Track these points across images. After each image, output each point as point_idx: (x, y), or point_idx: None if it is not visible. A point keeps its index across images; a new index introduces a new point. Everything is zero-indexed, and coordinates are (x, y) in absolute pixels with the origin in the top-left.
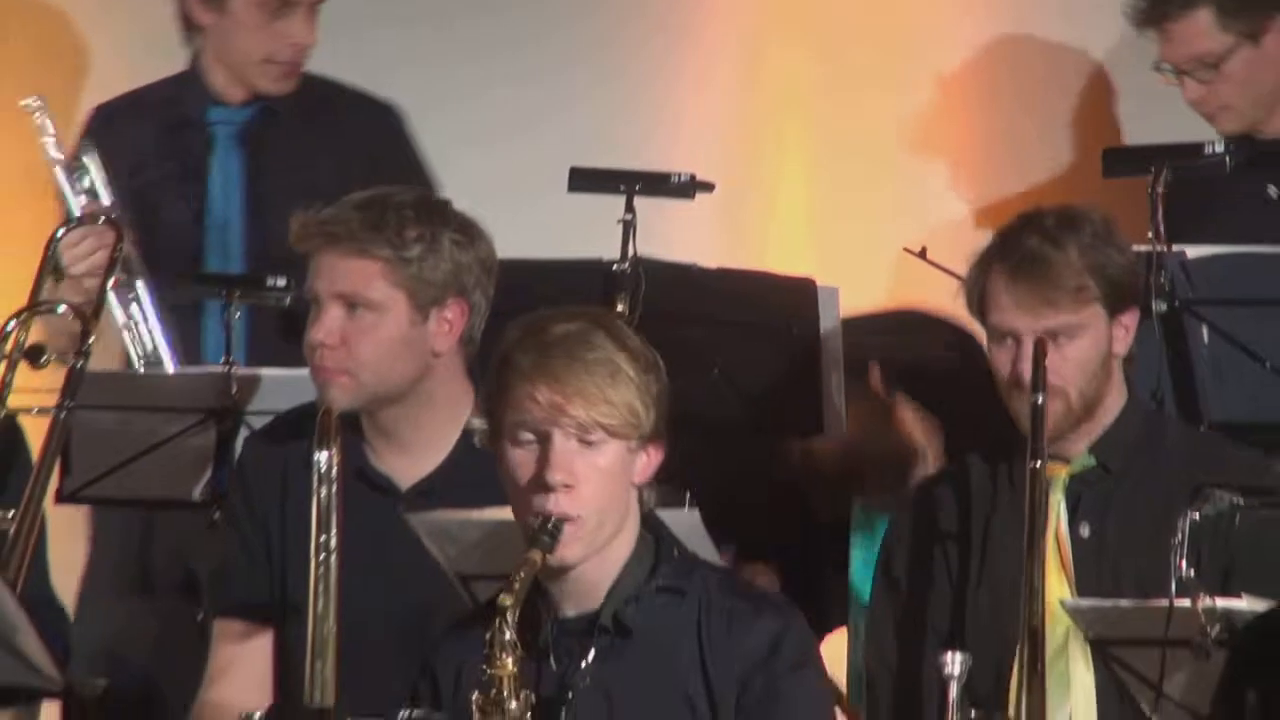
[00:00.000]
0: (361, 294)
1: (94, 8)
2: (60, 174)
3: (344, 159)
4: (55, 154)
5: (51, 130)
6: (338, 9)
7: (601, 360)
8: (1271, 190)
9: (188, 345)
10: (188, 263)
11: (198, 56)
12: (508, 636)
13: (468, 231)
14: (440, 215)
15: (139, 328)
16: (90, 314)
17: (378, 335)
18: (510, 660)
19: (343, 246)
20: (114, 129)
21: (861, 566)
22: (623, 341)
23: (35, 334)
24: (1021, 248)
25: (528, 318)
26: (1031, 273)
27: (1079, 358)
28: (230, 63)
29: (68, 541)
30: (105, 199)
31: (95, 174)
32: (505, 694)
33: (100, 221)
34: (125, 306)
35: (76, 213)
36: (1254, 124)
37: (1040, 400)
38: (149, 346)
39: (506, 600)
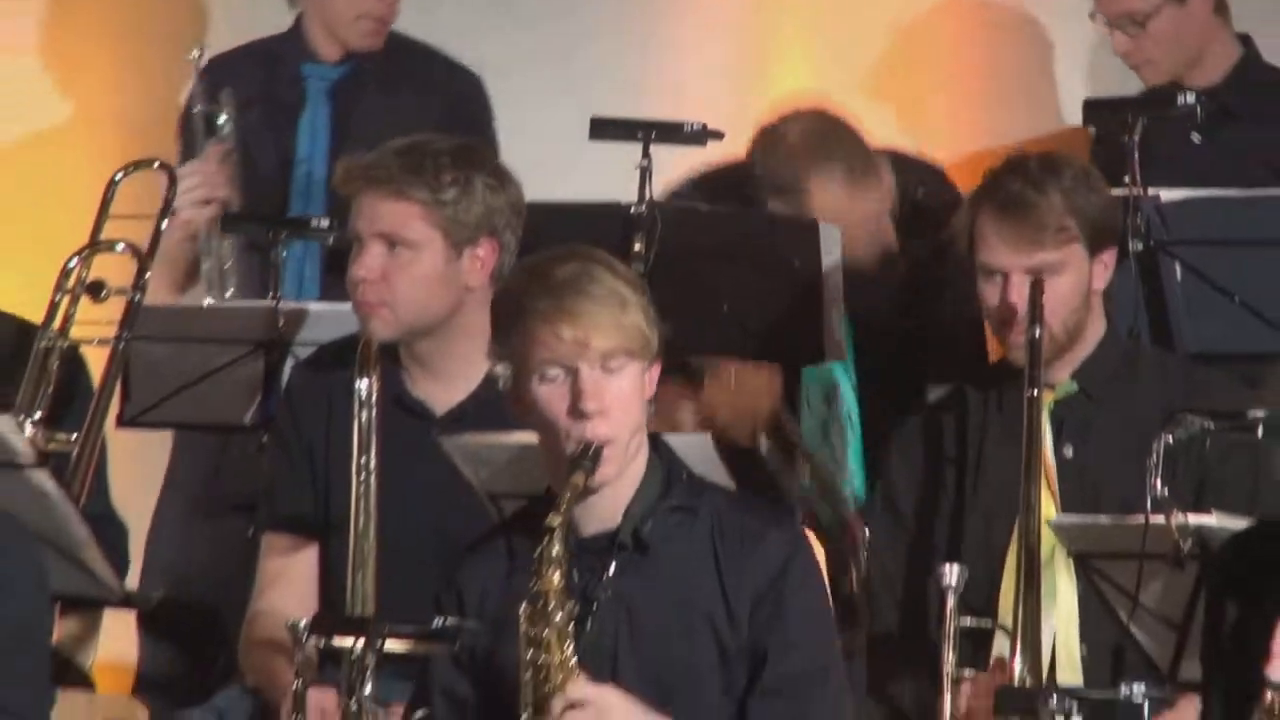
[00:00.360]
0: (400, 233)
1: None
2: (197, 118)
3: (423, 118)
4: (199, 101)
5: (200, 80)
6: None
7: (609, 292)
8: (1195, 137)
9: (267, 282)
10: (275, 206)
11: (300, 17)
12: (555, 552)
13: (499, 176)
14: (474, 161)
15: (221, 265)
16: (146, 252)
17: (415, 272)
18: (557, 575)
19: (383, 189)
20: (221, 79)
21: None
22: (617, 272)
23: (95, 270)
24: (1008, 191)
25: (523, 264)
26: (1017, 214)
27: (1062, 293)
28: (326, 20)
29: (140, 464)
30: (230, 143)
31: (228, 120)
32: (551, 606)
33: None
34: (210, 244)
35: (202, 153)
36: (1175, 77)
37: (1037, 334)
38: (225, 283)
39: (554, 520)
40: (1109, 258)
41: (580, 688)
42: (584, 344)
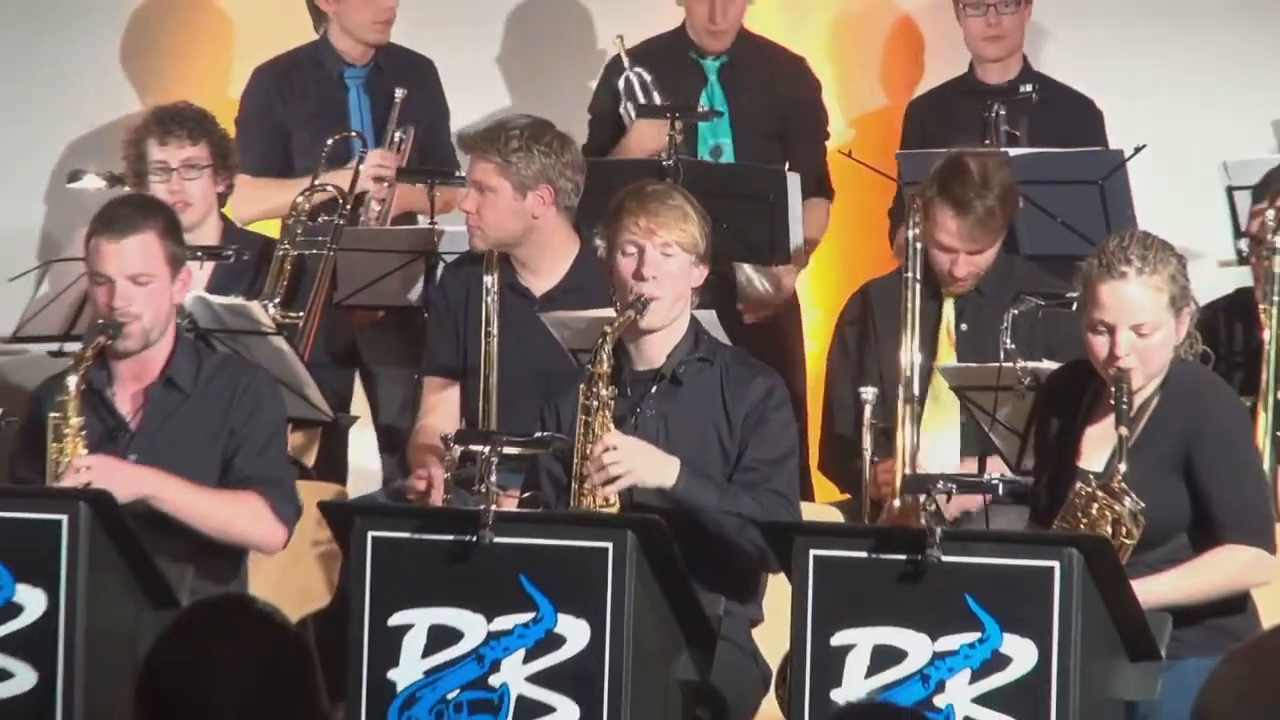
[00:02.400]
0: (483, 181)
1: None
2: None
3: (413, 95)
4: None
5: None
6: None
7: (677, 205)
8: (1028, 87)
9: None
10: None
11: (325, 31)
12: (607, 351)
13: (555, 143)
14: (535, 133)
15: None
16: (348, 189)
17: (495, 206)
18: (606, 364)
19: (475, 151)
20: (282, 81)
21: None
22: (688, 198)
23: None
24: (959, 195)
25: (632, 185)
26: (968, 214)
27: (989, 260)
28: (350, 29)
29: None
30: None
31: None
32: (599, 385)
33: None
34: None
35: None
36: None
37: (960, 274)
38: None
39: (608, 330)
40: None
41: (614, 436)
42: (651, 232)
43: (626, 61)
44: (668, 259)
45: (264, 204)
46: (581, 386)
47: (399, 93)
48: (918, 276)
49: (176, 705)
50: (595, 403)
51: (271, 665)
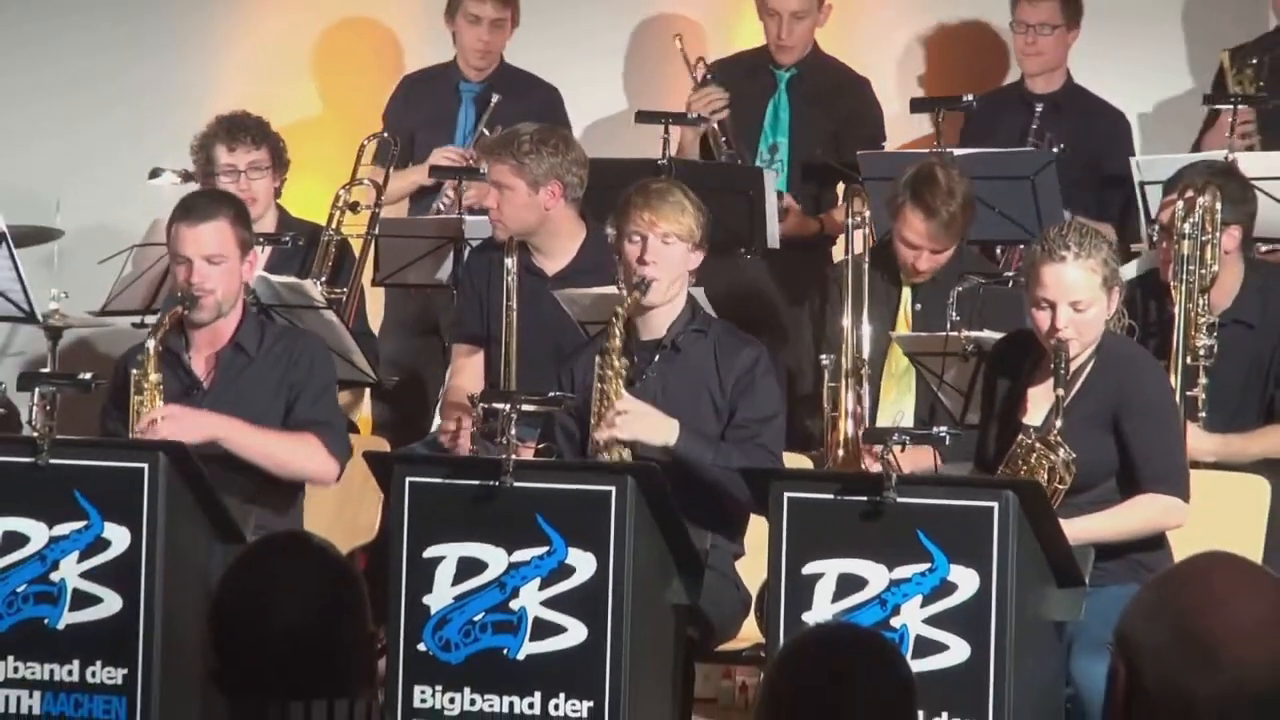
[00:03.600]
0: (502, 181)
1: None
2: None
3: (524, 116)
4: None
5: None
6: None
7: (676, 200)
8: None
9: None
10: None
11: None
12: (619, 329)
13: (561, 145)
14: (544, 137)
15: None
16: (381, 184)
17: (512, 202)
18: (618, 340)
19: (494, 156)
20: (415, 90)
21: None
22: (687, 193)
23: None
24: (928, 202)
25: (638, 182)
26: (934, 219)
27: (948, 258)
28: (460, 52)
29: (376, 305)
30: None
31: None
32: (612, 357)
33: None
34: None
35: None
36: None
37: (922, 267)
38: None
39: (619, 310)
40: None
41: (625, 400)
42: (653, 224)
43: (690, 60)
44: (667, 246)
45: (389, 188)
46: (597, 358)
47: (495, 98)
48: (865, 258)
49: (246, 629)
50: (609, 372)
51: (327, 592)
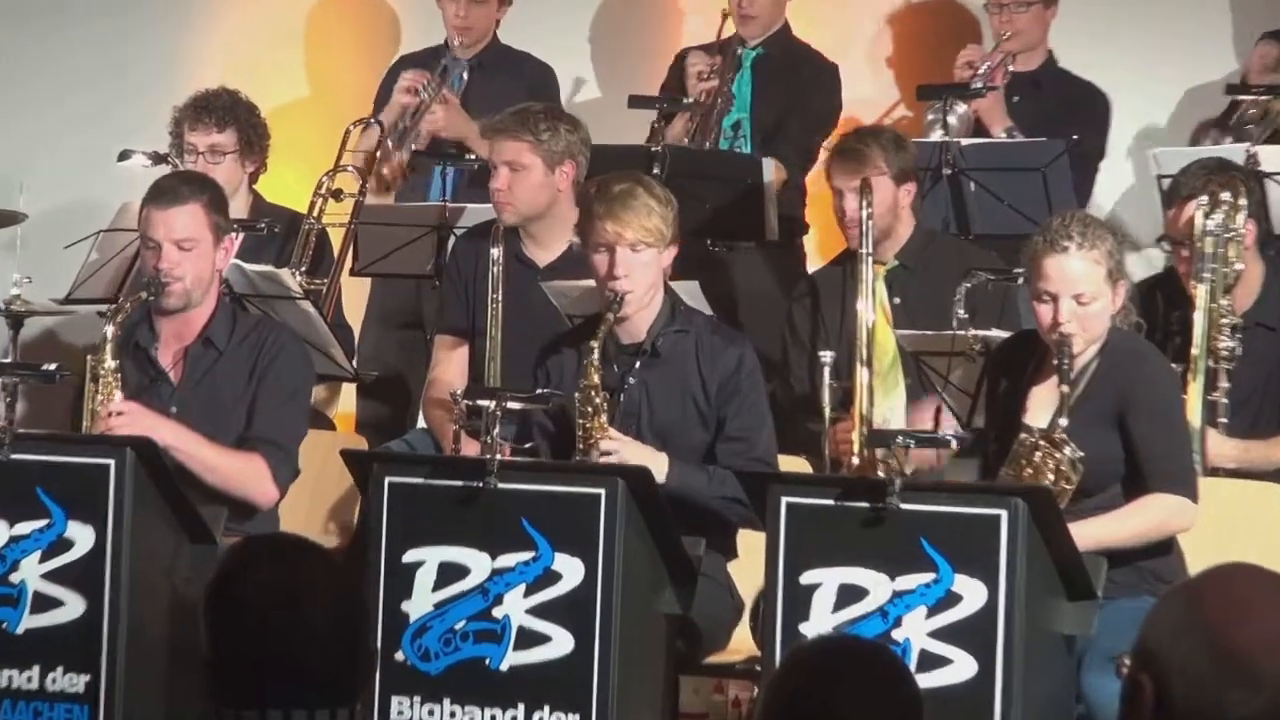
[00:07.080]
0: (517, 160)
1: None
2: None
3: (511, 92)
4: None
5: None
6: None
7: (640, 204)
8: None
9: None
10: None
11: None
12: (597, 362)
13: (574, 122)
14: (558, 114)
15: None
16: (364, 170)
17: (527, 183)
18: (597, 376)
19: (506, 134)
20: (401, 66)
21: None
22: (652, 190)
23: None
24: (847, 144)
25: (597, 179)
26: (852, 158)
27: (876, 205)
28: (445, 29)
29: (359, 296)
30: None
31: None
32: (593, 394)
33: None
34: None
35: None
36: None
37: (868, 225)
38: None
39: (594, 343)
40: (910, 187)
41: (611, 440)
42: (619, 235)
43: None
44: (636, 254)
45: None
46: (576, 395)
47: (465, 71)
48: (869, 251)
49: (275, 628)
50: (589, 408)
51: (354, 597)
